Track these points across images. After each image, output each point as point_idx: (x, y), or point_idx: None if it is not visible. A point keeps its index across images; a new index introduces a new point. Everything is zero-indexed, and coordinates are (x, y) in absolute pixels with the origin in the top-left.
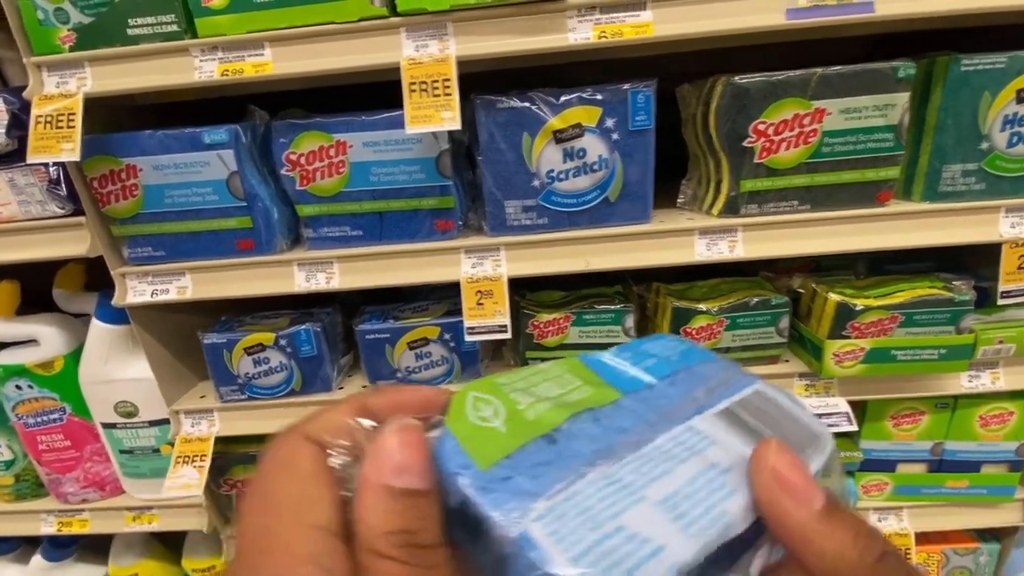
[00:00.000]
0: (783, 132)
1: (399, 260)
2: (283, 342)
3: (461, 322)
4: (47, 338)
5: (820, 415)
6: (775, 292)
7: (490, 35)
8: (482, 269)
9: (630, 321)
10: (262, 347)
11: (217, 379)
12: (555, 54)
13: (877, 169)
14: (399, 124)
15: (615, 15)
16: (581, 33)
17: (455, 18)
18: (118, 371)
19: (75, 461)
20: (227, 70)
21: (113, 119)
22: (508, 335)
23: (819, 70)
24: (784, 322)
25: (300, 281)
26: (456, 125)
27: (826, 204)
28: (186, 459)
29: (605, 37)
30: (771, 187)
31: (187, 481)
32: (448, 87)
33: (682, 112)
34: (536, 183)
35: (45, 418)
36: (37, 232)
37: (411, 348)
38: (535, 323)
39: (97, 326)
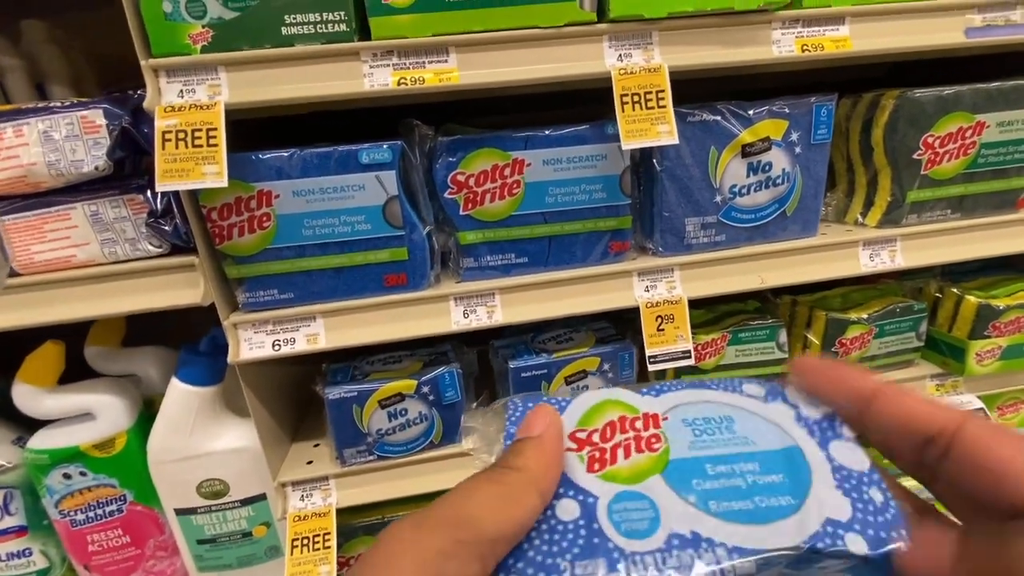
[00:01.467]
0: (947, 145)
1: (568, 288)
2: (425, 389)
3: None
4: (106, 410)
5: None
6: (906, 298)
7: (694, 46)
8: (656, 292)
9: (783, 336)
10: (401, 397)
11: (341, 440)
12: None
13: (1021, 178)
14: (587, 139)
15: (816, 28)
16: (785, 46)
17: (662, 27)
18: (207, 442)
19: (135, 561)
20: (404, 78)
21: None
22: (692, 360)
23: (984, 85)
24: (923, 327)
25: (457, 318)
26: (674, 139)
27: (973, 212)
28: (304, 542)
29: (808, 51)
30: (932, 197)
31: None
32: (663, 99)
33: None
34: (718, 199)
35: (100, 512)
36: (128, 278)
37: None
38: (692, 345)
39: (179, 389)
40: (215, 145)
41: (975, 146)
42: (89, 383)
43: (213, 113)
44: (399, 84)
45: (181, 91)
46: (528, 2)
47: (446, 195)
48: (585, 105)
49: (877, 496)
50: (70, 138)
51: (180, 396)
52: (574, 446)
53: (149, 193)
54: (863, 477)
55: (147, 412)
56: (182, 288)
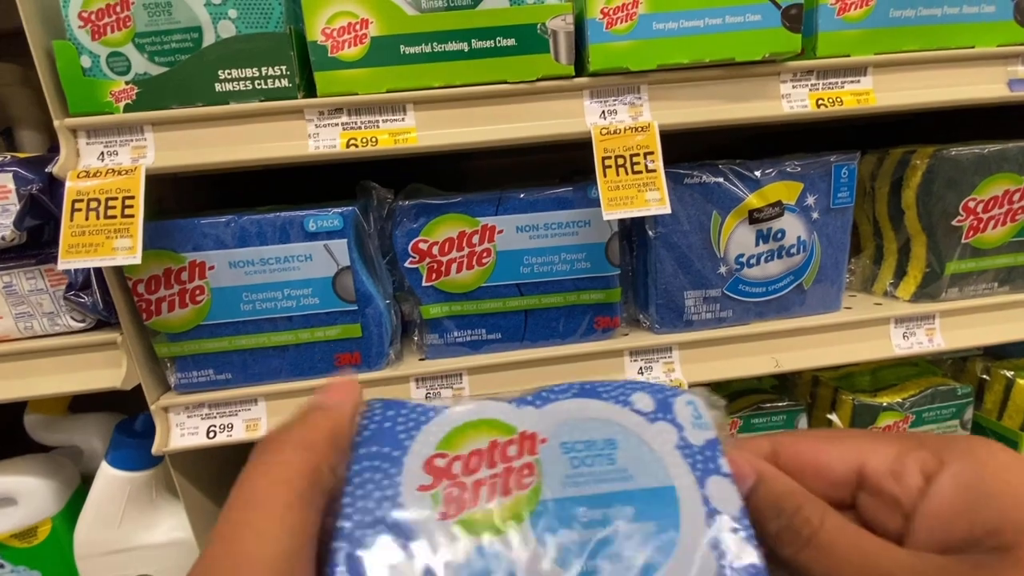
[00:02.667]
0: (992, 209)
1: (548, 368)
2: None
3: None
4: (28, 495)
5: None
6: (947, 379)
7: (690, 101)
8: (652, 375)
9: (803, 422)
10: None
11: None
12: None
13: None
14: (568, 203)
15: (833, 80)
16: (797, 101)
17: (652, 80)
18: (139, 534)
19: None
20: (355, 139)
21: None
22: None
23: None
24: (968, 414)
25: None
26: (666, 208)
27: (1023, 284)
28: None
29: (825, 106)
30: (975, 269)
31: None
32: (652, 162)
33: None
34: (723, 269)
35: None
36: (42, 356)
37: None
38: None
39: (109, 475)
40: (131, 216)
41: None
42: (12, 463)
43: (132, 179)
44: (348, 146)
45: (102, 153)
46: (496, 55)
47: (407, 264)
48: (579, 149)
49: (746, 556)
50: None
51: (110, 482)
52: (428, 480)
53: None
54: (731, 523)
55: (83, 492)
56: (103, 368)
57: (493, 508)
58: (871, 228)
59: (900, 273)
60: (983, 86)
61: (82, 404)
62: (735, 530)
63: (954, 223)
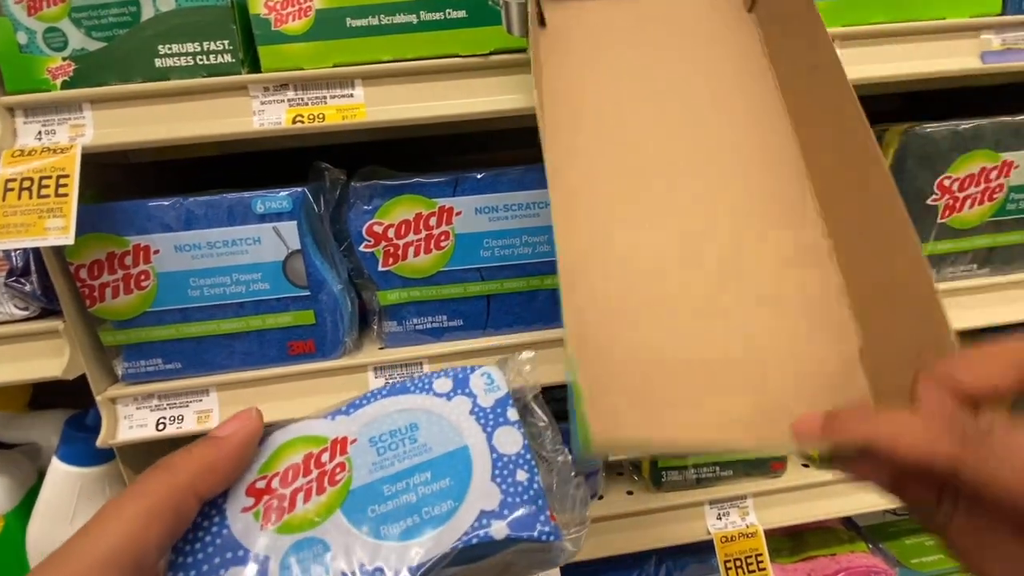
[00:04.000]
0: (968, 188)
1: None
2: None
3: None
4: None
5: None
6: None
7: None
8: None
9: None
10: None
11: None
12: None
13: None
14: (530, 183)
15: None
16: None
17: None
18: None
19: None
20: (301, 115)
21: (100, 181)
22: None
23: (1009, 118)
24: None
25: None
26: None
27: (1006, 266)
28: None
29: None
30: (953, 250)
31: None
32: None
33: None
34: None
35: None
36: None
37: None
38: None
39: (60, 470)
40: (64, 195)
41: (1002, 189)
42: None
43: (68, 158)
44: (294, 122)
45: (40, 132)
46: (446, 27)
47: (362, 248)
48: None
49: (522, 476)
50: None
51: (60, 478)
52: (250, 502)
53: (11, 250)
54: (516, 459)
55: (39, 489)
56: (45, 357)
57: (310, 508)
58: None
59: None
60: (954, 59)
61: (42, 401)
62: (518, 463)
63: (929, 202)
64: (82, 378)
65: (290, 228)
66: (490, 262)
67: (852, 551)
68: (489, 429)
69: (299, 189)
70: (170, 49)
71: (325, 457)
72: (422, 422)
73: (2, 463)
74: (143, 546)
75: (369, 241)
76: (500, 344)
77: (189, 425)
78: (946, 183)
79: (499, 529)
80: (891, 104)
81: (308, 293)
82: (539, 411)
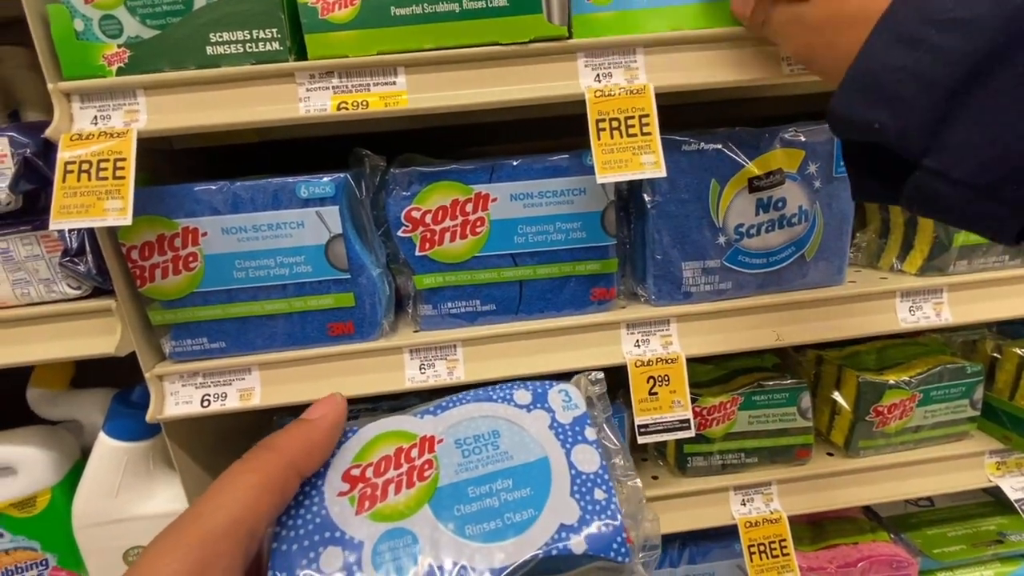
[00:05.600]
0: None
1: (543, 340)
2: None
3: None
4: (27, 465)
5: (1019, 499)
6: (956, 357)
7: (688, 63)
8: (649, 348)
9: (806, 400)
10: None
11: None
12: None
13: None
14: (563, 171)
15: None
16: (798, 64)
17: (649, 42)
18: (135, 505)
19: None
20: (345, 102)
21: (148, 166)
22: (692, 431)
23: None
24: (978, 393)
25: (412, 373)
26: (661, 172)
27: None
28: None
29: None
30: (981, 241)
31: None
32: (647, 125)
33: None
34: (722, 240)
35: None
36: (38, 323)
37: None
38: (696, 409)
39: (107, 445)
40: (122, 178)
41: None
42: (12, 433)
43: (124, 142)
44: (339, 108)
45: (96, 117)
46: (488, 16)
47: (400, 233)
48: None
49: (600, 496)
50: None
51: (107, 452)
52: (346, 487)
53: (67, 230)
54: (594, 478)
55: (83, 466)
56: (98, 335)
57: (400, 499)
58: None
59: (907, 247)
60: None
61: (84, 381)
62: (596, 482)
63: None
64: (119, 360)
65: (332, 213)
66: (523, 248)
67: (874, 540)
68: (568, 445)
69: (341, 175)
70: (221, 37)
71: (415, 453)
72: (503, 430)
73: (48, 437)
74: (257, 517)
75: (407, 226)
76: (531, 329)
77: (232, 403)
78: None
79: (578, 544)
80: None
81: (348, 276)
82: (611, 435)
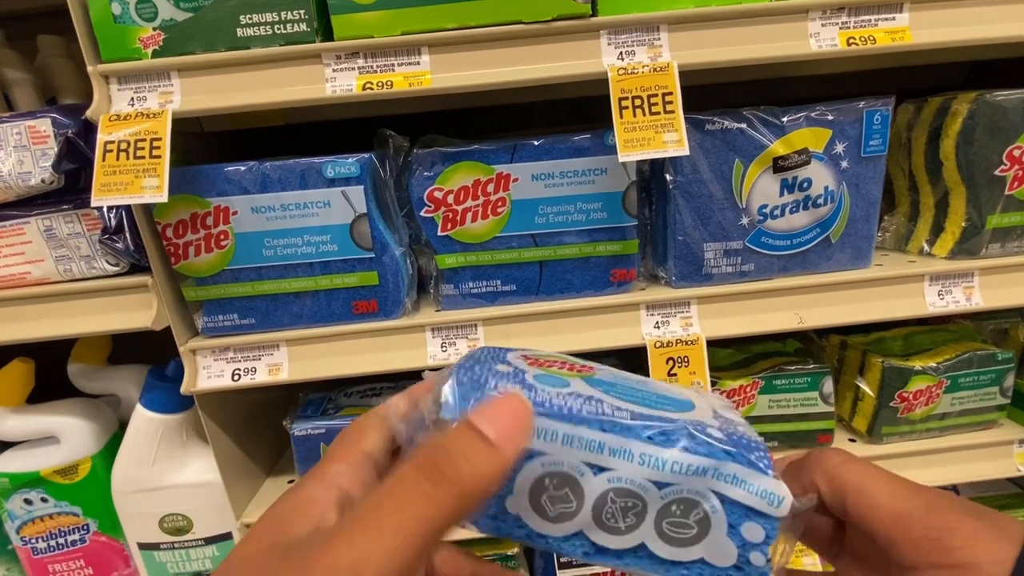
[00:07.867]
0: None
1: (562, 321)
2: None
3: None
4: (70, 434)
5: None
6: (986, 344)
7: (711, 41)
8: (668, 330)
9: (829, 386)
10: None
11: None
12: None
13: None
14: (584, 150)
15: (866, 17)
16: (826, 40)
17: (672, 19)
18: (169, 474)
19: None
20: (370, 82)
21: (179, 147)
22: None
23: None
24: (1009, 380)
25: (434, 351)
26: (684, 150)
27: None
28: None
29: (855, 44)
30: (1020, 223)
31: None
32: (671, 103)
33: None
34: (745, 221)
35: (62, 540)
36: (79, 297)
37: None
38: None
39: (143, 416)
40: (158, 157)
41: None
42: (55, 404)
43: (159, 122)
44: (364, 88)
45: (132, 99)
46: None
47: (423, 213)
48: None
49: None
50: (18, 148)
51: (143, 424)
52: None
53: (105, 208)
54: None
55: (121, 437)
56: (135, 310)
57: (564, 370)
58: (906, 183)
59: (937, 230)
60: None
61: (120, 357)
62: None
63: (997, 173)
64: (151, 339)
65: (357, 192)
66: (544, 228)
67: None
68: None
69: (366, 155)
70: (250, 19)
71: (578, 361)
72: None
73: (89, 410)
74: (360, 482)
75: (429, 206)
76: (551, 309)
77: (261, 377)
78: (1016, 153)
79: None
80: (954, 77)
81: (373, 255)
82: None
